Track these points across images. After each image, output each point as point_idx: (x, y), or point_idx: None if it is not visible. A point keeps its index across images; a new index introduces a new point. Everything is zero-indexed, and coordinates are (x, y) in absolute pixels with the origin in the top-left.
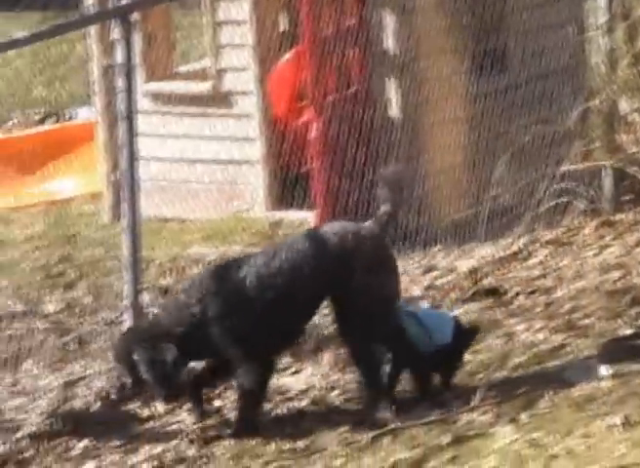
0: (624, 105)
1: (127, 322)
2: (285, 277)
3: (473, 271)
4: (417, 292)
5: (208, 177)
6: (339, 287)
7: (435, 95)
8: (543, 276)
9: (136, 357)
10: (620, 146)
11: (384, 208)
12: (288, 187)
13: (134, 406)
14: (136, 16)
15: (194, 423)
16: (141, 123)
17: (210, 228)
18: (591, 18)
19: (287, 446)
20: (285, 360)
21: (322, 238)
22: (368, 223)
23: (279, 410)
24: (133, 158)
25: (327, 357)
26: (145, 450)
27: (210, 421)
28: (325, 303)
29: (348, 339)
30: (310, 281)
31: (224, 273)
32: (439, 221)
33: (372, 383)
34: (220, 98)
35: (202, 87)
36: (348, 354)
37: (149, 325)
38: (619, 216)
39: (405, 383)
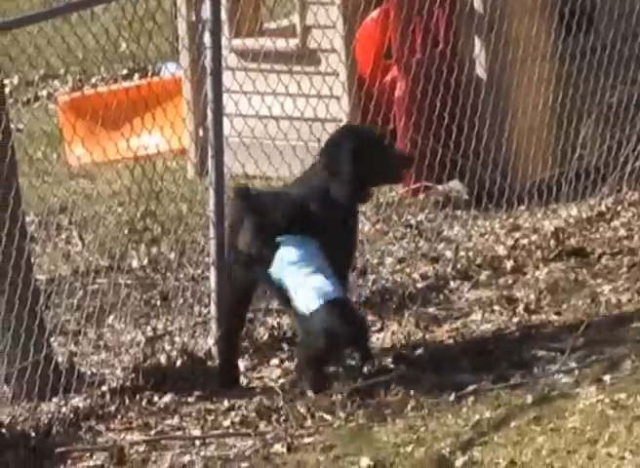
0: None
1: (211, 278)
2: None
3: (558, 231)
4: (501, 251)
5: (293, 135)
6: None
7: (522, 54)
8: (628, 237)
9: None
10: None
11: None
12: None
13: (217, 361)
14: None
15: (277, 378)
16: (227, 79)
17: None
18: None
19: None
20: (369, 318)
21: None
22: None
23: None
24: (219, 115)
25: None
26: (227, 405)
27: (292, 376)
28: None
29: None
30: None
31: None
32: (524, 181)
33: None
34: (306, 56)
35: (288, 44)
36: None
37: None
38: None
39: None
